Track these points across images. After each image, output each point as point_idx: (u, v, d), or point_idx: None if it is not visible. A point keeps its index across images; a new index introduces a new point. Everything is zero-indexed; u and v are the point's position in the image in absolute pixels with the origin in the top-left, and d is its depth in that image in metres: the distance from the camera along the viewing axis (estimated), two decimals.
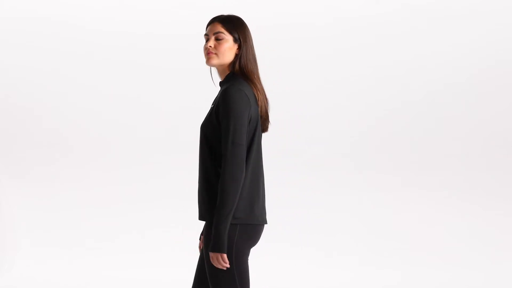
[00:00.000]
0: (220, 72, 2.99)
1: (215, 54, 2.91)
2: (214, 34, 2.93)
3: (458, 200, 5.90)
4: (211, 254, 2.78)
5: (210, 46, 2.91)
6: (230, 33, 2.94)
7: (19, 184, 5.92)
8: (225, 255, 2.76)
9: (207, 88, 5.93)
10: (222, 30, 2.94)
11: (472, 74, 5.94)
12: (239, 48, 2.93)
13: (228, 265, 2.79)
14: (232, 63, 2.93)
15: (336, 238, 5.77)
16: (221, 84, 2.99)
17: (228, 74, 2.95)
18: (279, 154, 5.82)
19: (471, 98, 5.95)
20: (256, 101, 2.91)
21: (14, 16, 5.87)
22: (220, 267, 2.78)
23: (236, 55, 2.93)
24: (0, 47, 5.90)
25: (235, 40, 2.94)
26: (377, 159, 5.92)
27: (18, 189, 5.92)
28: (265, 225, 2.97)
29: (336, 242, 5.76)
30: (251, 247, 2.92)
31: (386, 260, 5.71)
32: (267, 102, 2.99)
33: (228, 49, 2.92)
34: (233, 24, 2.97)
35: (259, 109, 2.93)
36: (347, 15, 5.91)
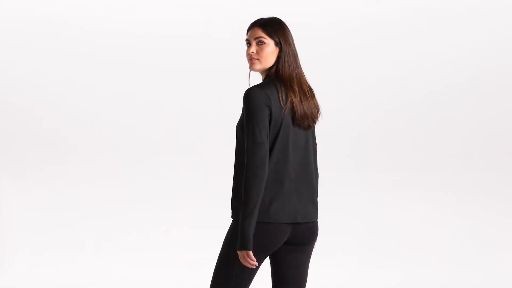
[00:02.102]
0: (263, 76, 3.03)
1: (258, 59, 2.95)
2: (255, 39, 2.97)
3: (458, 200, 5.90)
4: (238, 252, 2.79)
5: (253, 52, 2.95)
6: (271, 37, 2.99)
7: (19, 184, 5.92)
8: (250, 253, 2.77)
9: (207, 88, 5.95)
10: (263, 34, 2.98)
11: (472, 74, 5.94)
12: (281, 51, 2.99)
13: (256, 263, 2.82)
14: (271, 67, 2.98)
15: (336, 238, 5.77)
16: None
17: (264, 78, 2.99)
18: None
19: (471, 98, 5.95)
20: (280, 102, 2.91)
21: (14, 16, 5.87)
22: (248, 265, 2.80)
23: (278, 58, 2.98)
24: (0, 47, 5.89)
25: (276, 44, 2.99)
26: (377, 159, 5.92)
27: (18, 189, 5.92)
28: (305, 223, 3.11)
29: (336, 242, 5.76)
30: (268, 247, 2.91)
31: (386, 260, 5.71)
32: (313, 107, 3.16)
33: (270, 53, 2.96)
34: (273, 28, 3.02)
35: (294, 110, 2.98)
36: (347, 15, 5.91)
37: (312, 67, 5.91)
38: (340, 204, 5.83)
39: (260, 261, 2.88)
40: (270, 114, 2.88)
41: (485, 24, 5.91)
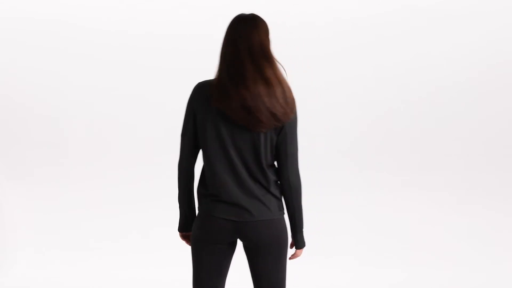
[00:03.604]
0: None
1: None
2: None
3: (458, 200, 5.91)
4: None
5: None
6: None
7: (19, 184, 5.92)
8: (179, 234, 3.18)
9: None
10: None
11: (472, 74, 5.94)
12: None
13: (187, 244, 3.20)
14: None
15: (336, 238, 5.78)
16: None
17: None
18: None
19: (471, 98, 5.96)
20: (208, 97, 2.98)
21: (14, 16, 5.87)
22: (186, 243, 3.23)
23: None
24: (0, 47, 5.90)
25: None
26: (377, 159, 5.92)
27: (18, 189, 5.92)
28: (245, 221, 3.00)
29: (336, 242, 5.77)
30: (206, 239, 3.01)
31: (386, 260, 5.71)
32: (265, 103, 2.97)
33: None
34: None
35: (238, 105, 2.91)
36: (347, 15, 5.91)
37: (312, 67, 5.95)
38: (340, 204, 5.84)
39: (203, 250, 3.01)
40: (192, 108, 3.21)
41: (485, 24, 5.91)
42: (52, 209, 5.89)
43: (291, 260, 3.26)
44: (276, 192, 3.04)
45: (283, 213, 3.08)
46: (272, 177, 3.01)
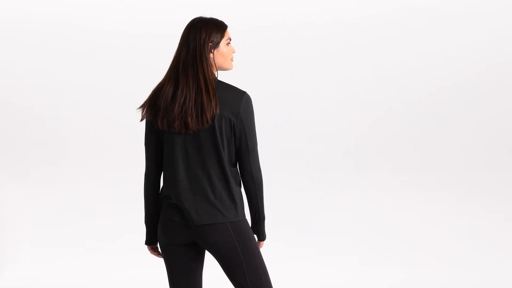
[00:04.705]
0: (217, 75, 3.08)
1: None
2: (230, 39, 3.06)
3: (458, 200, 5.90)
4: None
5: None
6: None
7: (19, 184, 5.92)
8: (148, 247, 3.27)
9: None
10: None
11: (472, 74, 5.94)
12: None
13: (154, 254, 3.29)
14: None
15: (336, 238, 5.77)
16: None
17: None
18: (279, 154, 5.82)
19: (471, 98, 5.95)
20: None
21: (14, 16, 5.87)
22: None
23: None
24: (0, 47, 5.90)
25: None
26: (377, 159, 5.92)
27: (18, 189, 5.92)
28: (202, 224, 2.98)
29: (336, 242, 5.76)
30: (168, 242, 3.07)
31: (386, 260, 5.71)
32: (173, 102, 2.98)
33: None
34: None
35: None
36: (347, 15, 5.91)
37: (312, 67, 5.95)
38: (340, 204, 5.83)
39: (166, 252, 3.10)
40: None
41: (485, 24, 5.91)
42: (52, 209, 5.89)
43: None
44: (235, 193, 2.98)
45: (240, 216, 2.99)
46: (230, 177, 2.96)
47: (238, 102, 2.93)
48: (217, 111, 2.89)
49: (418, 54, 5.92)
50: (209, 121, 2.89)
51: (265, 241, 3.14)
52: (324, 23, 5.89)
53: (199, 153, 2.96)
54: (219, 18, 3.11)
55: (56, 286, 5.54)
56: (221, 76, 3.10)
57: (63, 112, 5.91)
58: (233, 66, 3.05)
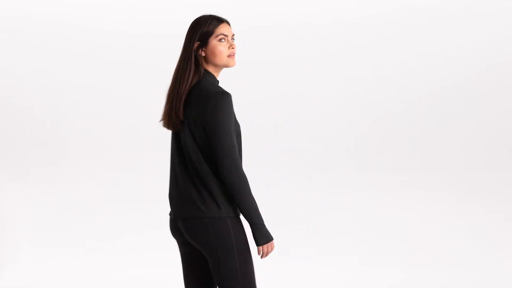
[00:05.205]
0: (217, 75, 3.05)
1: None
2: (230, 35, 3.00)
3: (458, 200, 5.90)
4: None
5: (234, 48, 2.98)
6: None
7: (19, 184, 5.92)
8: None
9: None
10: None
11: (472, 74, 5.94)
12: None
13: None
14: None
15: (336, 238, 5.77)
16: None
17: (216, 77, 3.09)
18: (279, 154, 5.82)
19: (471, 98, 5.96)
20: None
21: (14, 16, 5.87)
22: None
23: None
24: (0, 47, 5.90)
25: None
26: (377, 159, 5.92)
27: (18, 189, 5.92)
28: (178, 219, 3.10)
29: (336, 242, 5.76)
30: (177, 241, 3.17)
31: (386, 260, 5.71)
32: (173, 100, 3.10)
33: None
34: None
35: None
36: (347, 15, 5.91)
37: (312, 67, 5.95)
38: (340, 204, 5.83)
39: (181, 250, 3.14)
40: None
41: (485, 24, 5.91)
42: (52, 209, 5.89)
43: (262, 259, 3.07)
44: (215, 190, 2.92)
45: (223, 213, 2.92)
46: (208, 176, 2.93)
47: (206, 103, 2.90)
48: (181, 115, 3.01)
49: (418, 54, 5.92)
50: (177, 126, 3.03)
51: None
52: (324, 23, 5.89)
53: (183, 151, 3.04)
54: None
55: (56, 286, 5.54)
56: (225, 73, 3.09)
57: (63, 112, 5.91)
58: (235, 63, 2.98)
